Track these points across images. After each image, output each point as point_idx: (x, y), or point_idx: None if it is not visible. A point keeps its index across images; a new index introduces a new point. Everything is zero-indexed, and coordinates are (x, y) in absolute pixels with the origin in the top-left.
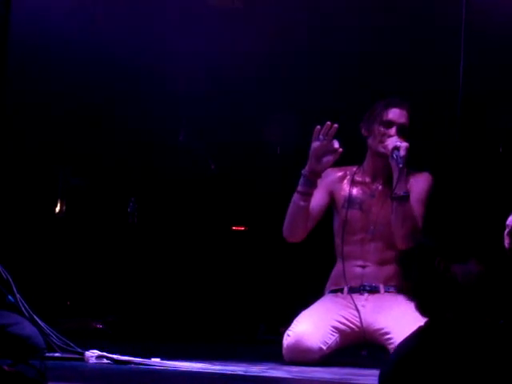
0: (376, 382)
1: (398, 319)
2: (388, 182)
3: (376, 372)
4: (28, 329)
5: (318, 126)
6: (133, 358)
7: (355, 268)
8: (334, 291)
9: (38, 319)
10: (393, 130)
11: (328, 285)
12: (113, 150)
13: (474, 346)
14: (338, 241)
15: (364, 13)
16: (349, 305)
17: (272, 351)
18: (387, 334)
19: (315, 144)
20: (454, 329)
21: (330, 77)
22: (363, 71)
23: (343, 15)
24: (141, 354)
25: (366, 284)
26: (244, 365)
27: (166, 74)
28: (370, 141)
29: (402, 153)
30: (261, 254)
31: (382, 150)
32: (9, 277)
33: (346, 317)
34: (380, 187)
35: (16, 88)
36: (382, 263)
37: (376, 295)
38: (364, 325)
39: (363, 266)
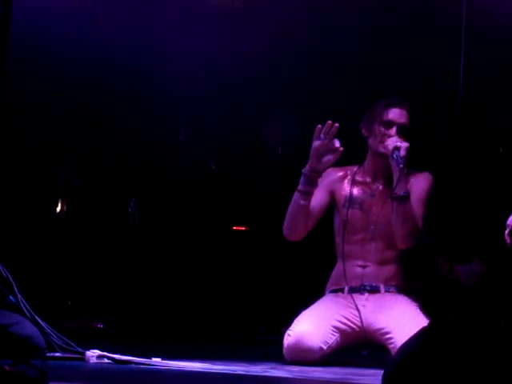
0: (376, 381)
1: (398, 319)
2: (388, 181)
3: (376, 372)
4: (29, 329)
5: (319, 125)
6: (133, 357)
7: (355, 268)
8: (335, 291)
9: (38, 319)
10: (393, 130)
11: (328, 285)
12: (113, 149)
13: (477, 347)
14: (338, 240)
15: (364, 13)
16: (349, 304)
17: (272, 351)
18: (388, 333)
19: (316, 143)
20: (457, 329)
21: (329, 77)
22: (363, 71)
23: (343, 15)
24: (141, 354)
25: (366, 284)
26: (245, 364)
27: (165, 73)
28: (370, 141)
29: (403, 153)
30: (261, 254)
31: (382, 150)
32: (10, 277)
33: (347, 316)
34: (380, 187)
35: (16, 88)
36: (382, 263)
37: (376, 295)
38: (364, 324)
39: (363, 266)
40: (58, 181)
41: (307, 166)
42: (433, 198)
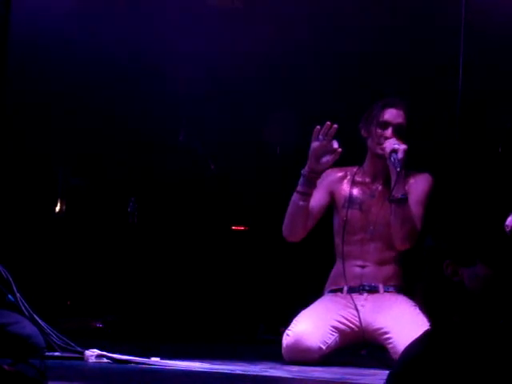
0: (375, 381)
1: (397, 319)
2: (388, 182)
3: (375, 371)
4: (28, 328)
5: (318, 126)
6: (132, 357)
7: (355, 268)
8: (334, 291)
9: (38, 318)
10: (389, 131)
11: (327, 284)
12: (112, 149)
13: (481, 350)
14: (337, 241)
15: (364, 13)
16: (348, 304)
17: (272, 351)
18: (386, 333)
19: (315, 144)
20: (461, 332)
21: (329, 77)
22: (363, 71)
23: (343, 15)
24: (140, 354)
25: (365, 284)
26: (244, 364)
27: (165, 74)
28: (368, 142)
29: (400, 155)
30: (261, 253)
31: (379, 151)
32: (9, 276)
33: (346, 316)
34: (380, 187)
35: (16, 88)
36: (381, 263)
37: (375, 295)
38: (363, 324)
39: (363, 266)
40: (57, 181)
41: (306, 167)
42: (435, 199)
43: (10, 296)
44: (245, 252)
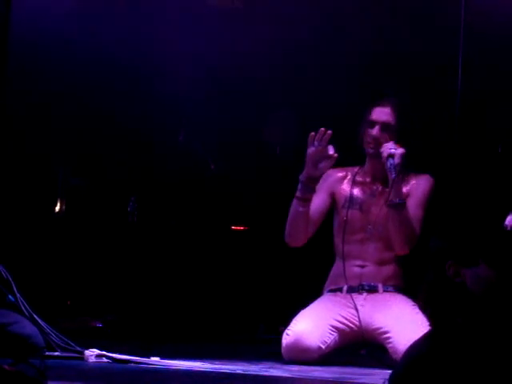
0: (375, 381)
1: (396, 319)
2: (388, 182)
3: (375, 371)
4: (28, 328)
5: (313, 133)
6: (132, 357)
7: (354, 268)
8: (333, 290)
9: (37, 318)
10: (375, 130)
11: (327, 284)
12: (112, 149)
13: (484, 351)
14: (337, 240)
15: (364, 13)
16: (348, 304)
17: (271, 350)
18: (386, 333)
19: (310, 150)
20: (463, 333)
21: (329, 77)
22: (363, 71)
23: (343, 15)
24: (140, 353)
25: (364, 283)
26: (243, 364)
27: (166, 73)
28: (363, 143)
29: (397, 160)
30: (260, 253)
31: (370, 151)
32: (9, 276)
33: (345, 316)
34: (380, 187)
35: (16, 88)
36: (380, 263)
37: (375, 295)
38: (363, 324)
39: (362, 266)
40: (57, 180)
41: (303, 173)
42: (437, 200)
43: (10, 296)
44: (245, 252)
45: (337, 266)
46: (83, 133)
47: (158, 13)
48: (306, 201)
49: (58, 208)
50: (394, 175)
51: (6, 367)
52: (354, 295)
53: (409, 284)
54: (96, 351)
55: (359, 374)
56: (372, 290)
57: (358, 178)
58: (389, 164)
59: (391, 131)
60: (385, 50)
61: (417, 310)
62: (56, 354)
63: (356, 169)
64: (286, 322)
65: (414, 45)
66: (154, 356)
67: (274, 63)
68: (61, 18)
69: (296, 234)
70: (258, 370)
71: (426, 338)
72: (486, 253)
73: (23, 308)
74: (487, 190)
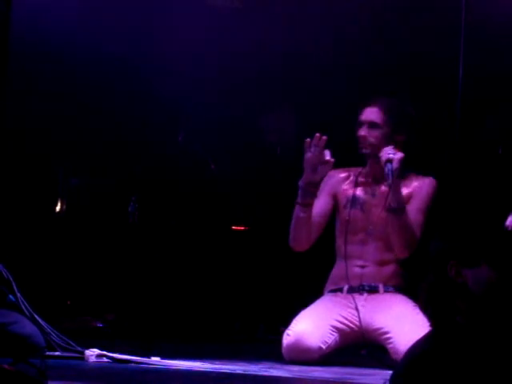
0: (375, 381)
1: (397, 319)
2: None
3: (375, 371)
4: (28, 328)
5: (308, 139)
6: (133, 356)
7: (355, 268)
8: (334, 291)
9: (38, 318)
10: (362, 130)
11: (327, 284)
12: (113, 149)
13: (484, 351)
14: (339, 241)
15: (364, 13)
16: (348, 304)
17: (272, 350)
18: (386, 333)
19: (307, 156)
20: (464, 333)
21: (330, 77)
22: (363, 71)
23: (343, 15)
24: (141, 353)
25: (365, 284)
26: (244, 364)
27: (165, 73)
28: None
29: (395, 165)
30: (261, 253)
31: (361, 151)
32: (9, 276)
33: (346, 316)
34: (382, 188)
35: (16, 88)
36: (381, 263)
37: (375, 295)
38: (363, 324)
39: (363, 266)
40: (57, 180)
41: (303, 179)
42: (439, 201)
43: (10, 296)
44: (245, 252)
45: (338, 267)
46: (83, 133)
47: (158, 13)
48: (307, 206)
49: (58, 208)
50: (390, 180)
51: (7, 367)
52: (355, 295)
53: (409, 284)
54: (96, 351)
55: (360, 375)
56: (373, 290)
57: (360, 179)
58: (387, 169)
59: (379, 130)
60: (385, 50)
61: (417, 310)
62: (56, 353)
63: (359, 169)
64: (287, 322)
65: (413, 45)
66: (154, 356)
67: (273, 63)
68: (61, 18)
69: (299, 239)
70: (258, 370)
71: (426, 339)
72: (488, 254)
73: (24, 308)
74: (488, 191)
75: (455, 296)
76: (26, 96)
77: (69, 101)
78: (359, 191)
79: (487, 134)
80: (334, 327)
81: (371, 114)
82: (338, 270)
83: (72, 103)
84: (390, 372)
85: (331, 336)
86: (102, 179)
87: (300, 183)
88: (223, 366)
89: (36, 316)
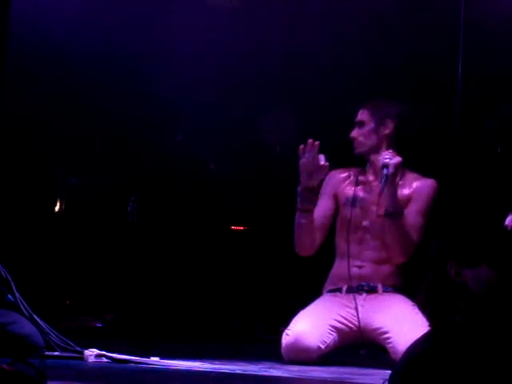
0: (374, 381)
1: (396, 319)
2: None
3: (374, 371)
4: (27, 327)
5: (302, 145)
6: (132, 356)
7: (353, 268)
8: (333, 291)
9: (37, 318)
10: (353, 131)
11: (326, 284)
12: (112, 149)
13: (484, 350)
14: (338, 240)
15: (364, 13)
16: (347, 304)
17: (271, 350)
18: (385, 333)
19: (302, 162)
20: (464, 333)
21: (329, 77)
22: (363, 71)
23: (343, 15)
24: (140, 353)
25: (364, 284)
26: (243, 364)
27: (165, 73)
28: None
29: (391, 170)
30: (260, 253)
31: (356, 151)
32: (8, 276)
33: (345, 316)
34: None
35: (16, 88)
36: (380, 263)
37: (374, 295)
38: (362, 324)
39: (361, 266)
40: (56, 180)
41: (300, 185)
42: (439, 201)
43: (9, 296)
44: (244, 252)
45: (337, 266)
46: (82, 132)
47: (158, 12)
48: (307, 211)
49: (57, 208)
50: (383, 185)
51: (6, 367)
52: (354, 295)
53: (408, 284)
54: (95, 351)
55: (359, 374)
56: (371, 290)
57: (361, 178)
58: (381, 174)
59: (365, 127)
60: (384, 51)
61: (416, 310)
62: (55, 353)
63: (359, 169)
64: (286, 322)
65: (413, 45)
66: (153, 356)
67: (273, 63)
68: (61, 18)
69: (303, 245)
70: (258, 369)
71: (425, 338)
72: (488, 254)
73: (22, 308)
74: (487, 191)
75: (455, 296)
76: (26, 96)
77: (68, 101)
78: (359, 190)
79: (486, 133)
80: (333, 327)
81: (360, 115)
82: (337, 269)
83: (71, 103)
84: (389, 372)
85: (330, 336)
86: (101, 179)
87: (298, 189)
88: (222, 366)
89: (35, 316)
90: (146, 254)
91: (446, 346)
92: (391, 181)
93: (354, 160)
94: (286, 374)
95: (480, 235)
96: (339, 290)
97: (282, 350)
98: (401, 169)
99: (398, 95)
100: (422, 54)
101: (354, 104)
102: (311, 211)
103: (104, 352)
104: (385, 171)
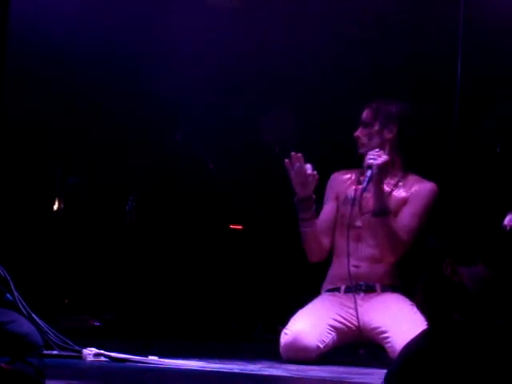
0: (373, 380)
1: (394, 318)
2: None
3: (373, 371)
4: (26, 326)
5: (287, 160)
6: (130, 355)
7: (352, 267)
8: (331, 290)
9: (35, 317)
10: (357, 131)
11: (325, 284)
12: (111, 148)
13: (480, 349)
14: (336, 240)
15: (364, 12)
16: (346, 304)
17: (270, 350)
18: (384, 332)
19: (292, 175)
20: (461, 331)
21: (329, 76)
22: (363, 71)
23: (343, 15)
24: (138, 352)
25: (362, 283)
26: (241, 363)
27: (165, 73)
28: None
29: (374, 171)
30: (258, 252)
31: (359, 151)
32: (7, 275)
33: (343, 315)
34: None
35: (16, 88)
36: (376, 262)
37: (372, 294)
38: (361, 323)
39: (359, 265)
40: (55, 179)
41: (295, 196)
42: (437, 200)
43: (8, 295)
44: (243, 251)
45: (335, 266)
46: (81, 132)
47: (158, 12)
48: (308, 220)
49: (56, 207)
50: (365, 186)
51: (4, 366)
52: (352, 295)
53: (406, 283)
54: (94, 350)
55: (357, 374)
56: (370, 289)
57: (362, 178)
58: (365, 174)
59: (369, 129)
60: (384, 50)
61: (415, 309)
62: (54, 352)
63: (361, 169)
64: (284, 322)
65: (413, 45)
66: (152, 355)
67: (273, 63)
68: (61, 18)
69: (312, 251)
70: (256, 369)
71: (422, 337)
72: (484, 252)
73: (21, 307)
74: (486, 190)
75: (451, 294)
76: (26, 96)
77: (68, 101)
78: (359, 190)
79: (485, 133)
80: (331, 326)
81: (364, 114)
82: (335, 269)
83: (71, 103)
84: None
85: (329, 335)
86: (99, 178)
87: (294, 201)
88: (221, 366)
89: (33, 315)
90: (144, 254)
91: (443, 345)
92: (376, 180)
93: (354, 160)
94: (284, 374)
95: (476, 233)
96: (338, 289)
97: (281, 350)
98: (401, 170)
99: (397, 95)
100: (421, 53)
101: (353, 104)
102: (313, 219)
103: (102, 351)
104: (368, 172)
